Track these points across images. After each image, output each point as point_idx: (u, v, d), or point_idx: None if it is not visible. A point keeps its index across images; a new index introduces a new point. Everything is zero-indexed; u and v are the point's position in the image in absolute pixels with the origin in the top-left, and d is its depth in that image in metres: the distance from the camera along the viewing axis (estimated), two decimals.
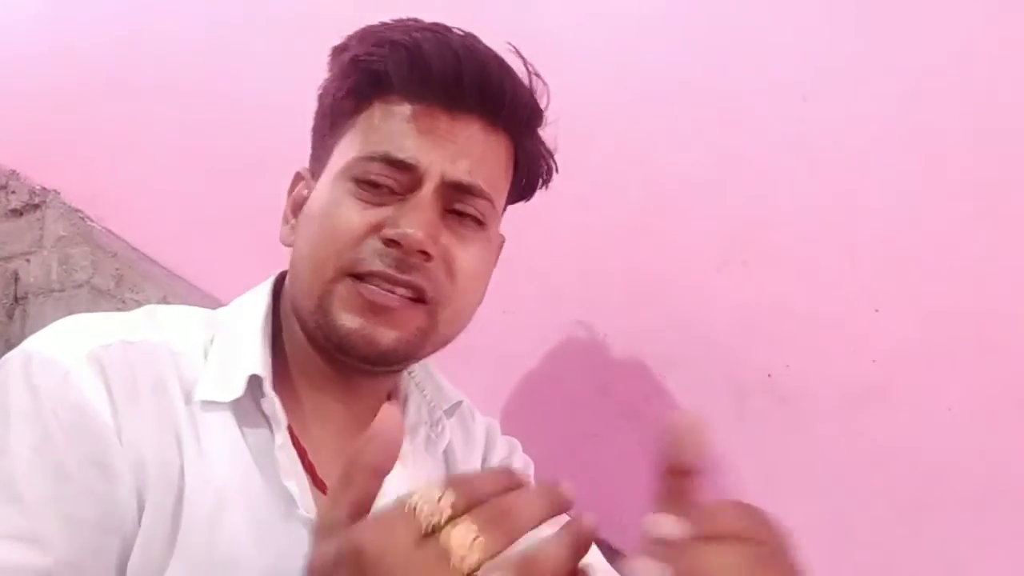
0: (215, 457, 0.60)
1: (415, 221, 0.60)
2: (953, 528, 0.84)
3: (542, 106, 0.70)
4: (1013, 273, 0.84)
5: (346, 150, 0.65)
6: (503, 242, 0.76)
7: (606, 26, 1.08)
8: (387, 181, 0.63)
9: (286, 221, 0.70)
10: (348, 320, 0.61)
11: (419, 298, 0.62)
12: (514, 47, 0.68)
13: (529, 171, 0.72)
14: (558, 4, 1.12)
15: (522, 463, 0.83)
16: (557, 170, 0.74)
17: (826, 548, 0.90)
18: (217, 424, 0.60)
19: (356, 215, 0.62)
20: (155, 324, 0.63)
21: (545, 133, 0.73)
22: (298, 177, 0.72)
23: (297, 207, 0.69)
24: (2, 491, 0.52)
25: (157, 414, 0.58)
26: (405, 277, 0.61)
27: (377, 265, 0.61)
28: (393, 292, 0.61)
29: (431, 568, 0.35)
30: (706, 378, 0.96)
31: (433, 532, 0.36)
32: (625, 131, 1.04)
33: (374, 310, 0.61)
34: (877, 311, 0.89)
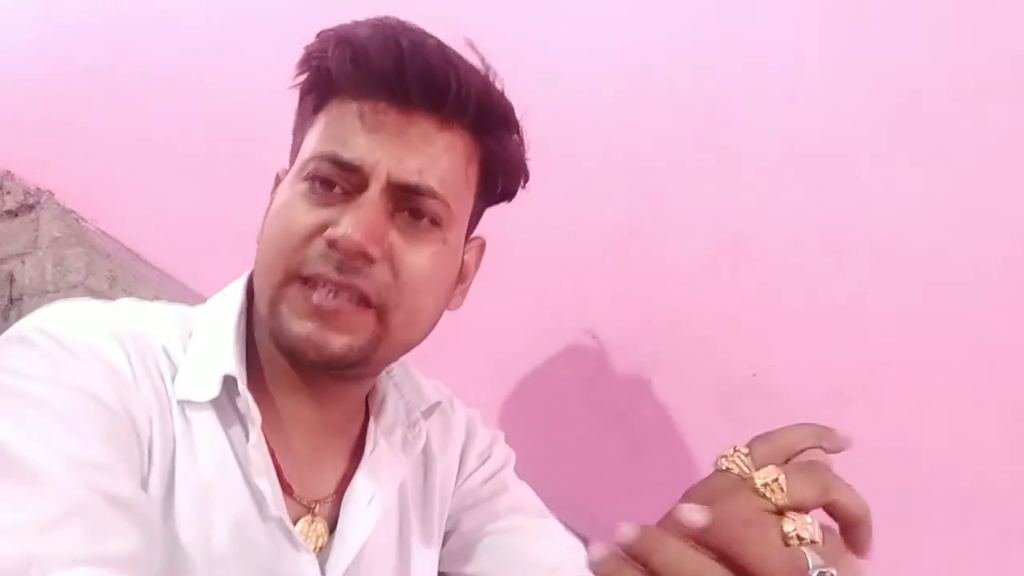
0: (201, 451, 0.60)
1: (355, 222, 0.59)
2: (939, 527, 0.84)
3: (499, 97, 0.67)
4: (999, 272, 0.84)
5: (305, 150, 0.65)
6: (483, 244, 0.74)
7: (594, 27, 1.08)
8: (338, 180, 0.62)
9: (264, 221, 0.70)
10: (297, 325, 0.60)
11: (364, 302, 0.60)
12: (468, 41, 0.66)
13: (502, 171, 0.69)
14: (545, 4, 1.12)
15: (503, 454, 0.82)
16: (528, 173, 0.72)
17: None
18: (203, 419, 0.61)
19: (304, 216, 0.61)
20: (143, 316, 0.64)
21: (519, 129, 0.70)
22: (276, 179, 0.72)
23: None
24: (61, 425, 0.51)
25: (160, 399, 0.59)
26: (346, 280, 0.59)
27: (319, 267, 0.60)
28: (338, 295, 0.60)
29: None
30: (693, 378, 0.97)
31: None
32: (613, 132, 1.04)
33: (322, 315, 0.59)
34: (863, 310, 0.89)
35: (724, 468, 0.44)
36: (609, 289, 1.03)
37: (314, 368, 0.62)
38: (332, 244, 0.59)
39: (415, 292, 0.62)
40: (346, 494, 0.68)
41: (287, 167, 0.70)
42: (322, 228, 0.60)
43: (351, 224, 0.59)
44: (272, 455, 0.64)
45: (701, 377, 0.96)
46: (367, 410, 0.74)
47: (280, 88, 1.32)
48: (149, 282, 1.44)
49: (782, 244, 0.94)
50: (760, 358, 0.93)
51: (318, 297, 0.59)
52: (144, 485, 0.56)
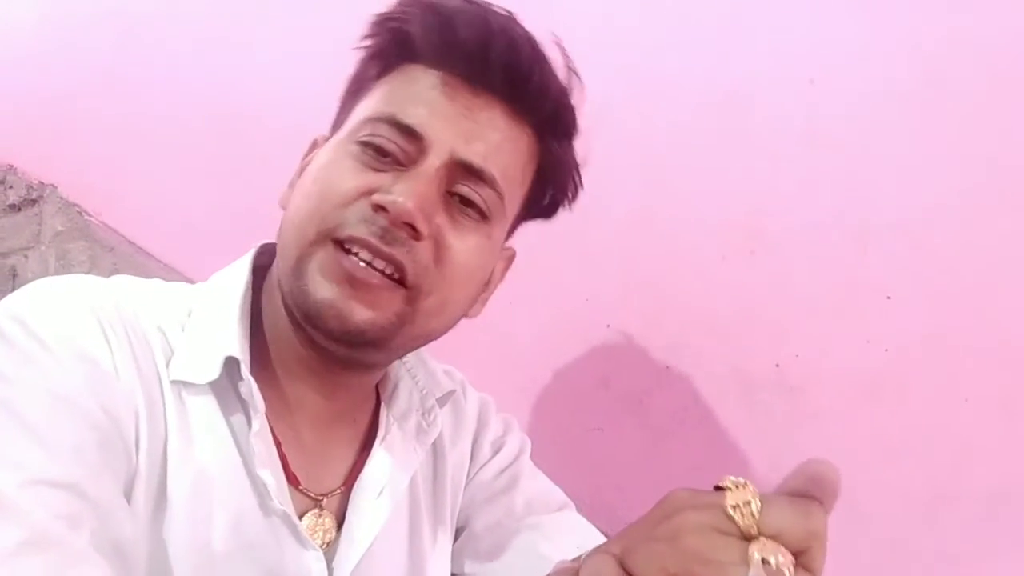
0: (198, 438, 0.56)
1: (409, 190, 0.55)
2: (968, 522, 0.82)
3: (575, 105, 0.65)
4: None
5: (360, 112, 0.61)
6: (513, 256, 0.71)
7: (610, 11, 1.05)
8: (392, 147, 0.58)
9: (290, 185, 0.65)
10: (322, 288, 0.56)
11: (400, 279, 0.57)
12: (557, 39, 0.63)
13: (553, 183, 0.66)
14: None
15: (517, 443, 0.79)
16: (582, 187, 0.69)
17: (837, 543, 0.88)
18: (200, 404, 0.57)
19: (351, 177, 0.57)
20: (136, 295, 0.60)
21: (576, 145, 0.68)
22: (314, 144, 0.68)
23: (303, 171, 0.65)
24: (24, 436, 0.47)
25: (148, 384, 0.55)
26: (387, 250, 0.55)
27: (360, 231, 0.56)
28: (372, 266, 0.56)
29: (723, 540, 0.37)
30: (712, 369, 0.94)
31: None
32: (629, 116, 1.01)
33: (352, 283, 0.55)
34: (889, 299, 0.86)
35: (723, 487, 0.39)
36: (624, 277, 1.01)
37: (330, 339, 0.57)
38: (379, 208, 0.56)
39: (452, 281, 0.59)
40: (355, 485, 0.64)
41: (326, 134, 0.67)
42: (368, 192, 0.57)
43: (405, 192, 0.55)
44: (277, 444, 0.60)
45: (720, 367, 0.93)
46: (377, 398, 0.70)
47: (285, 82, 1.31)
48: (152, 275, 1.42)
49: (802, 231, 0.92)
50: (783, 348, 0.90)
51: (350, 264, 0.56)
52: (130, 488, 0.53)
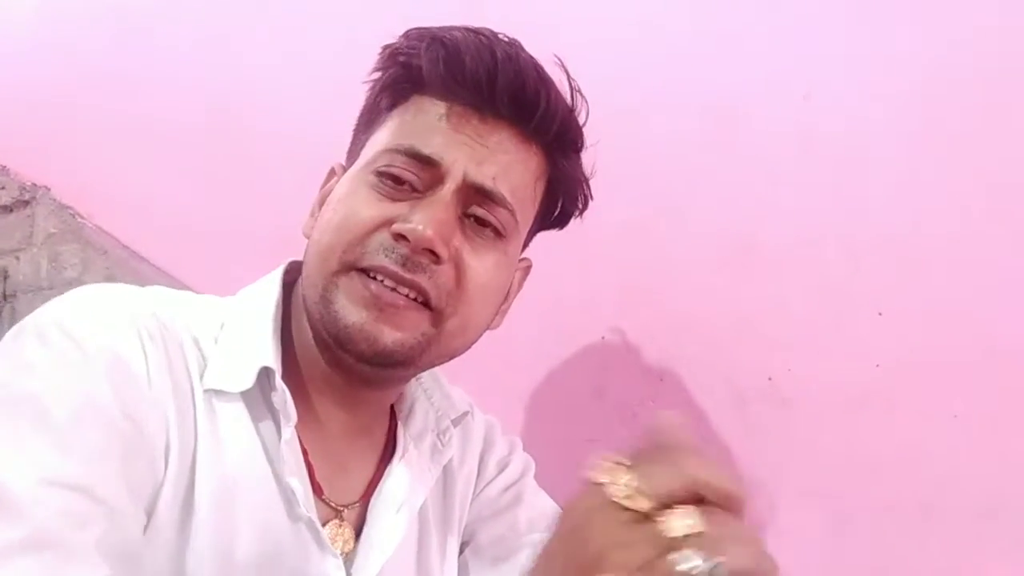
0: (227, 445, 0.58)
1: (427, 218, 0.58)
2: (957, 536, 0.82)
3: (580, 123, 0.68)
4: (1021, 276, 0.82)
5: (375, 144, 0.64)
6: (529, 267, 0.73)
7: (606, 24, 1.06)
8: (409, 176, 0.61)
9: (312, 214, 0.68)
10: (351, 313, 0.58)
11: (424, 302, 0.59)
12: (560, 60, 0.66)
13: (563, 195, 0.70)
14: (559, 3, 1.10)
15: (522, 462, 0.81)
16: (592, 197, 0.72)
17: (828, 555, 0.89)
18: (231, 412, 0.59)
19: (370, 208, 0.60)
20: (173, 305, 0.62)
21: (584, 158, 0.70)
22: (331, 172, 0.70)
23: (323, 200, 0.67)
24: (46, 434, 0.48)
25: (181, 392, 0.57)
26: (410, 277, 0.58)
27: (382, 260, 0.58)
28: (397, 291, 0.58)
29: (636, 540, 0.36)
30: (706, 382, 0.95)
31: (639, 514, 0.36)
32: (625, 130, 1.02)
33: (379, 306, 0.58)
34: (880, 314, 0.87)
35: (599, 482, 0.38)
36: (619, 288, 1.01)
37: (361, 361, 0.60)
38: (399, 237, 0.59)
39: (473, 300, 0.62)
40: (373, 499, 0.66)
41: (343, 162, 0.69)
42: (387, 222, 0.60)
43: (423, 220, 0.58)
44: (304, 454, 0.62)
45: (714, 380, 0.94)
46: (392, 415, 0.72)
47: (280, 87, 1.31)
48: (145, 278, 1.42)
49: (796, 245, 0.92)
50: (776, 362, 0.91)
51: (376, 288, 0.58)
52: (156, 496, 0.54)
